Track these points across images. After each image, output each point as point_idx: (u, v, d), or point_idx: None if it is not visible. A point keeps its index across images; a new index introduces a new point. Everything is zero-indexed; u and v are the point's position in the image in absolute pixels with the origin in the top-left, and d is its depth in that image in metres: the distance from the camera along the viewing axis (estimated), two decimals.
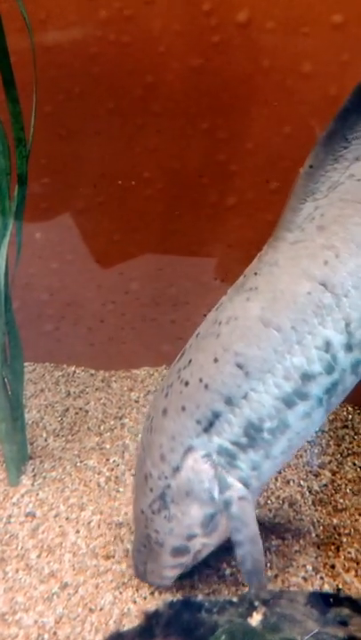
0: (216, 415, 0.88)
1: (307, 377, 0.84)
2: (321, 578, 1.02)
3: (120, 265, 1.69)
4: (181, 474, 0.91)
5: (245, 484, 0.89)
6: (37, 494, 1.22)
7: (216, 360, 0.87)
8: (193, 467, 0.90)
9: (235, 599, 0.67)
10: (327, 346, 0.83)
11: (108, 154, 1.58)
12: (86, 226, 1.65)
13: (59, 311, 1.74)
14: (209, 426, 0.88)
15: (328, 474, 1.30)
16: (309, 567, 1.05)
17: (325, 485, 1.26)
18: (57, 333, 1.75)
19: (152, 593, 1.00)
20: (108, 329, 1.74)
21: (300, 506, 1.21)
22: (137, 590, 1.00)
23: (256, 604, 0.64)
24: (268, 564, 1.06)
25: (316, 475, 1.30)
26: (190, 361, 0.91)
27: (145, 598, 0.99)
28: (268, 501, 1.22)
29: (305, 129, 1.47)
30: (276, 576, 1.03)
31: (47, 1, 1.46)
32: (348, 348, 0.83)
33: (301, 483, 1.27)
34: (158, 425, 0.93)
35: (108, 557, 1.07)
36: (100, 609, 0.97)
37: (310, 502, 1.22)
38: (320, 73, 1.41)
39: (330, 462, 1.33)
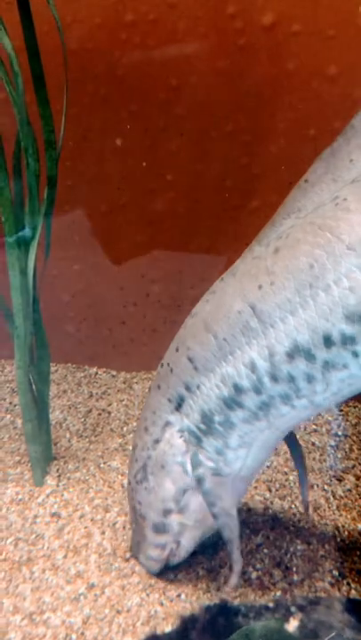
0: (182, 398, 0.94)
1: (238, 389, 0.85)
2: (348, 584, 1.02)
3: (142, 267, 1.70)
4: (160, 445, 0.96)
5: (213, 461, 0.93)
6: (62, 495, 1.23)
7: (177, 350, 0.94)
8: (169, 440, 0.95)
9: (271, 604, 0.67)
10: (253, 367, 0.82)
11: (131, 156, 1.59)
12: (109, 228, 1.66)
13: (80, 313, 1.74)
14: (178, 406, 0.95)
15: (352, 478, 1.29)
16: (336, 572, 1.05)
17: (350, 490, 1.25)
18: (79, 335, 1.75)
19: (178, 595, 1.00)
20: (129, 331, 1.75)
21: (325, 510, 1.20)
22: (163, 593, 1.00)
23: (293, 609, 0.63)
24: (295, 569, 1.05)
25: (340, 479, 1.29)
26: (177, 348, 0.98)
27: (171, 601, 0.99)
28: (293, 506, 1.21)
29: (329, 132, 1.47)
30: (302, 581, 1.03)
31: (73, 4, 1.47)
32: (274, 378, 0.80)
33: (325, 487, 1.26)
34: (147, 401, 1.01)
35: (133, 559, 1.08)
36: (128, 610, 0.97)
37: (335, 507, 1.21)
38: (346, 76, 1.40)
39: (353, 467, 1.33)
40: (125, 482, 1.23)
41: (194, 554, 1.03)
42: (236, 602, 0.86)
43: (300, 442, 1.40)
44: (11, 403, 1.56)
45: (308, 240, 0.75)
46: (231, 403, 0.86)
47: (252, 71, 1.46)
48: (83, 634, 0.93)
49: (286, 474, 1.31)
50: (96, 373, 1.71)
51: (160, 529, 0.98)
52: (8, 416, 1.50)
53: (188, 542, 1.00)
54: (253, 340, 0.81)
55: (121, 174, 1.61)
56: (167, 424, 0.96)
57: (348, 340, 0.72)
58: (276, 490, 1.26)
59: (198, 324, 0.90)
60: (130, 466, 1.03)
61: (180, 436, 0.94)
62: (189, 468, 0.94)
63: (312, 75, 1.43)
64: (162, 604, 0.98)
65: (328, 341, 0.73)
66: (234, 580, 0.95)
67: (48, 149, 1.14)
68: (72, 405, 1.55)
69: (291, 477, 1.29)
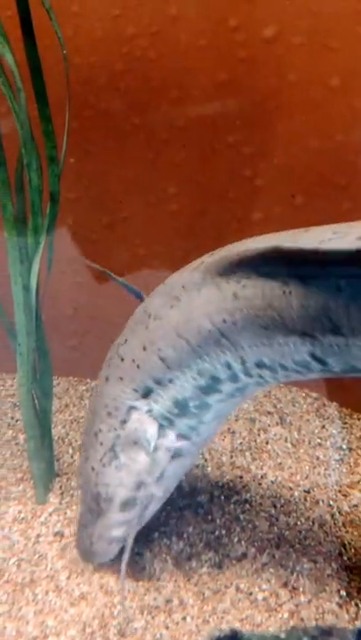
0: (149, 390, 0.98)
1: (215, 379, 0.94)
2: (356, 605, 1.00)
3: (144, 280, 1.69)
4: (128, 425, 1.00)
5: (185, 437, 1.00)
6: (65, 513, 1.21)
7: (145, 349, 0.98)
8: (138, 418, 0.99)
9: (283, 635, 0.65)
10: (228, 366, 0.92)
11: (133, 169, 1.58)
12: (111, 241, 1.65)
13: (83, 326, 1.73)
14: (146, 394, 0.99)
15: (358, 493, 1.28)
16: (343, 592, 1.03)
17: (355, 506, 1.24)
18: (81, 348, 1.74)
19: (184, 618, 0.98)
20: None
21: (331, 527, 1.19)
22: (169, 615, 0.99)
23: None
24: (302, 589, 1.04)
25: (346, 495, 1.28)
26: (126, 340, 1.03)
27: (177, 624, 0.97)
28: (298, 522, 1.20)
29: (332, 143, 1.47)
30: (309, 601, 1.01)
31: (75, 18, 1.47)
32: (247, 374, 0.92)
33: (331, 503, 1.25)
34: (102, 390, 1.04)
35: (137, 580, 1.06)
36: (132, 634, 0.96)
37: (341, 523, 1.20)
38: (348, 87, 1.40)
39: (359, 481, 1.31)
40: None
41: (198, 572, 1.02)
42: (247, 630, 0.84)
43: (305, 456, 1.39)
44: (12, 417, 1.54)
45: (263, 306, 0.86)
46: (208, 390, 0.95)
47: (253, 83, 1.46)
48: None
49: (291, 489, 1.29)
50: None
51: (129, 504, 1.01)
52: (10, 431, 1.48)
53: (151, 512, 1.04)
54: (227, 350, 0.91)
55: (123, 187, 1.61)
56: (132, 408, 1.00)
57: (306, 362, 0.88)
58: (281, 506, 1.24)
59: (168, 329, 0.95)
60: (90, 455, 1.04)
61: (150, 415, 0.99)
62: (154, 442, 0.99)
63: (314, 86, 1.42)
64: (167, 627, 0.97)
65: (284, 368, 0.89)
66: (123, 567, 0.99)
67: (50, 165, 1.14)
68: (74, 420, 1.54)
69: (296, 493, 1.28)
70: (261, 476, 1.32)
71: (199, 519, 1.20)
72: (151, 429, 0.99)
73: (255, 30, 1.41)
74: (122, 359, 1.01)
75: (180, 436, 1.00)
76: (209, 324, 0.91)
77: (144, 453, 0.99)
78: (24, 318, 1.16)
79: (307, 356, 0.85)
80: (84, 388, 1.69)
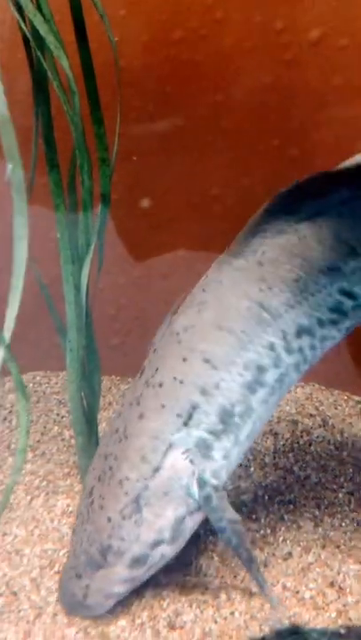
0: (194, 407, 0.97)
1: (261, 368, 0.98)
2: None
3: (187, 281, 1.71)
4: (161, 473, 0.96)
5: (217, 477, 0.98)
6: None
7: (185, 359, 0.99)
8: (173, 464, 0.96)
9: (343, 631, 0.66)
10: (272, 347, 0.99)
11: (176, 171, 1.60)
12: (154, 242, 1.68)
13: (125, 325, 1.76)
14: (188, 418, 0.97)
15: None
16: None
17: None
18: (123, 347, 1.77)
19: (232, 613, 0.99)
20: None
21: None
22: (218, 610, 1.00)
23: None
24: (348, 589, 1.04)
25: None
26: (157, 369, 1.01)
27: (225, 618, 0.98)
28: (343, 523, 1.20)
29: None
30: (357, 602, 1.01)
31: (122, 21, 1.50)
32: (289, 351, 0.99)
33: None
34: (136, 429, 0.99)
35: (184, 575, 1.08)
36: (181, 627, 0.97)
37: None
38: None
39: None
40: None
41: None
42: (307, 626, 0.85)
43: (348, 458, 1.38)
44: (58, 414, 1.58)
45: (282, 260, 1.00)
46: (254, 385, 0.98)
47: (298, 86, 1.46)
48: None
49: (335, 491, 1.29)
50: None
51: (140, 562, 0.96)
52: (56, 427, 1.52)
53: (150, 573, 0.99)
54: (268, 327, 0.98)
55: (167, 189, 1.63)
56: (170, 447, 0.96)
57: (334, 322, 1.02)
58: (326, 507, 1.24)
59: (206, 329, 0.99)
60: (108, 504, 0.98)
61: (185, 457, 0.96)
62: (195, 489, 0.96)
63: (360, 89, 1.42)
64: (216, 622, 0.98)
65: (321, 322, 1.01)
66: (270, 601, 0.99)
67: (102, 167, 1.16)
68: None
69: (340, 495, 1.28)
70: (305, 478, 1.32)
71: (244, 518, 1.20)
72: (185, 476, 0.96)
73: (301, 32, 1.42)
74: (160, 385, 0.99)
75: (213, 475, 0.97)
76: (246, 300, 0.98)
77: (172, 507, 0.95)
78: (74, 316, 1.19)
79: (337, 294, 0.98)
80: (125, 386, 1.72)
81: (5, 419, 1.56)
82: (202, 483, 0.96)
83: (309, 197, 0.98)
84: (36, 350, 1.70)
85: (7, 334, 0.65)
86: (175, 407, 0.97)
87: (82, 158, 1.13)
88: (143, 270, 1.71)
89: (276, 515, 1.22)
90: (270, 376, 0.99)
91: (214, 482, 0.97)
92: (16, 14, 1.02)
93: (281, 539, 1.15)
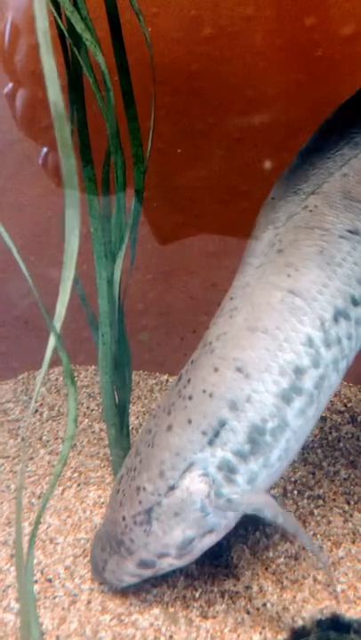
0: (222, 423, 0.92)
1: (299, 371, 0.93)
2: None
3: (213, 277, 1.72)
4: (176, 493, 0.92)
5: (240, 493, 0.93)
6: None
7: (216, 369, 0.94)
8: (188, 486, 0.92)
9: None
10: (310, 342, 0.93)
11: (205, 167, 1.61)
12: (182, 237, 1.69)
13: (152, 321, 1.77)
14: (214, 436, 0.92)
15: None
16: None
17: None
18: (150, 342, 1.78)
19: (264, 605, 1.00)
20: (199, 340, 1.77)
21: None
22: (250, 601, 1.01)
23: None
24: None
25: None
26: (189, 380, 0.98)
27: (258, 609, 0.99)
28: None
29: None
30: None
31: (153, 19, 1.51)
32: (327, 344, 0.94)
33: None
34: (162, 440, 0.96)
35: (215, 566, 1.09)
36: (214, 617, 0.98)
37: None
38: None
39: None
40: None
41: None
42: (347, 616, 0.85)
43: None
44: (88, 407, 1.60)
45: (301, 237, 0.98)
46: (290, 393, 0.92)
47: (329, 82, 1.46)
48: (171, 637, 0.95)
49: None
50: (167, 380, 1.73)
51: (148, 565, 0.97)
52: (86, 420, 1.54)
53: (164, 571, 0.99)
54: (304, 316, 0.93)
55: (194, 185, 1.64)
56: (191, 466, 0.92)
57: None
58: (355, 503, 1.24)
59: (238, 333, 0.94)
60: (126, 504, 0.98)
61: (202, 480, 0.91)
62: (211, 509, 0.91)
63: None
64: (248, 613, 0.99)
65: (355, 301, 0.97)
66: (321, 557, 1.00)
67: (136, 163, 1.18)
68: (147, 411, 1.58)
69: None
70: (334, 473, 1.33)
71: None
72: (199, 500, 0.91)
73: (333, 29, 1.42)
74: (190, 397, 0.95)
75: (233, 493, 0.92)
76: (277, 292, 0.95)
77: (181, 528, 0.92)
78: (107, 310, 1.20)
79: None
80: (153, 381, 1.73)
81: (37, 411, 1.58)
82: (221, 495, 0.91)
83: (310, 169, 0.99)
84: (65, 344, 1.72)
85: (58, 324, 0.66)
86: (202, 424, 0.92)
87: (116, 155, 1.14)
88: (171, 266, 1.72)
89: (305, 509, 1.22)
90: (309, 380, 0.92)
91: (237, 489, 0.92)
92: (53, 11, 1.04)
93: (311, 533, 1.16)
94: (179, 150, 1.33)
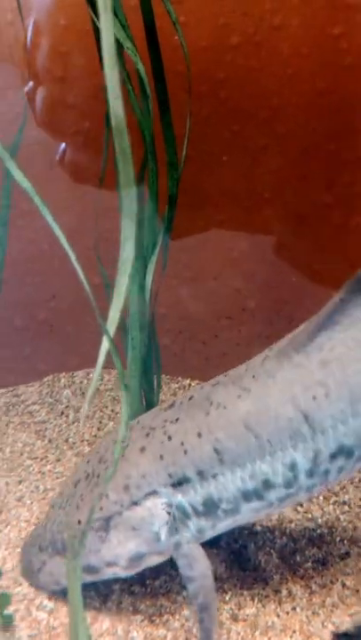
0: (187, 480, 0.93)
1: (268, 484, 0.91)
2: None
3: (237, 282, 1.73)
4: (137, 509, 0.94)
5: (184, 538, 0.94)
6: None
7: (200, 435, 0.94)
8: (150, 508, 0.93)
9: None
10: (293, 467, 0.90)
11: (230, 174, 1.63)
12: (205, 243, 1.70)
13: (175, 325, 1.79)
14: (178, 484, 0.93)
15: None
16: None
17: None
18: (173, 347, 1.80)
19: (294, 608, 1.01)
20: (222, 344, 1.78)
21: None
22: (279, 605, 1.02)
23: None
24: None
25: None
26: (178, 419, 0.97)
27: (288, 613, 1.00)
28: None
29: None
30: None
31: (181, 26, 1.53)
32: (310, 474, 0.90)
33: None
34: (133, 457, 0.97)
35: (243, 570, 1.10)
36: (244, 620, 0.99)
37: None
38: None
39: None
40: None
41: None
42: None
43: None
44: (112, 410, 1.61)
45: (353, 356, 0.88)
46: (252, 496, 0.92)
47: (356, 91, 1.48)
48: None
49: None
50: (189, 385, 1.75)
51: (91, 571, 0.97)
52: (110, 423, 1.55)
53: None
54: (300, 444, 0.89)
55: (220, 191, 1.65)
56: (153, 493, 0.94)
57: None
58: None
59: (233, 421, 0.91)
60: (83, 509, 0.98)
61: (164, 509, 0.93)
62: (164, 536, 0.93)
63: None
64: (278, 616, 1.00)
65: None
66: None
67: (170, 170, 1.19)
68: None
69: None
70: (359, 480, 1.33)
71: (300, 517, 1.22)
72: (158, 524, 0.93)
73: (359, 37, 1.43)
74: (169, 438, 0.95)
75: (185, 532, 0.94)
76: (291, 409, 0.88)
77: (135, 543, 0.93)
78: (138, 314, 1.22)
79: None
80: (175, 385, 1.75)
81: (62, 413, 1.60)
82: (173, 531, 0.93)
83: None
84: (90, 348, 1.74)
85: (111, 329, 0.67)
86: (170, 468, 0.94)
87: (152, 161, 1.16)
88: (195, 271, 1.74)
89: (331, 515, 1.23)
90: (274, 494, 0.92)
91: (187, 535, 0.94)
92: (94, 19, 1.06)
93: (338, 539, 1.17)
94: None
